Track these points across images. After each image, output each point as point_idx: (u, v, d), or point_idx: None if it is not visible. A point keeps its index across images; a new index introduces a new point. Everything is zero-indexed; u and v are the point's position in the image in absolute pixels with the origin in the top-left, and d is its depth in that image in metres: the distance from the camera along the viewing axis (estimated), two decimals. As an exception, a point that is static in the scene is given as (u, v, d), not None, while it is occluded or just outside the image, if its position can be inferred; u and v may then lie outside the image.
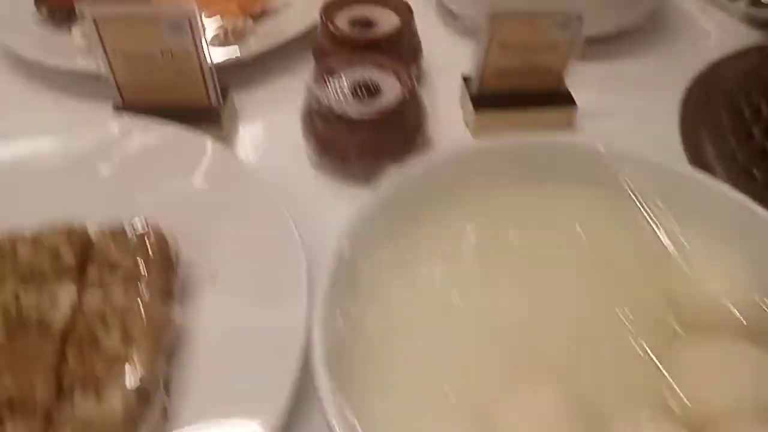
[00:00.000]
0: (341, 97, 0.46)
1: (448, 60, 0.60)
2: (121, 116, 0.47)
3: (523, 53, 0.49)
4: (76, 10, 0.44)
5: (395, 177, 0.37)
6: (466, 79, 0.53)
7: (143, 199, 0.43)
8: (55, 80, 0.56)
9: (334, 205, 0.46)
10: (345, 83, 0.47)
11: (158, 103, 0.49)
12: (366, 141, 0.45)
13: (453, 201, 0.38)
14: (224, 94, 0.51)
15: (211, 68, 0.48)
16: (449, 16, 0.66)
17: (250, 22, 0.60)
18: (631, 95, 0.57)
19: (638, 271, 0.37)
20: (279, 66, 0.59)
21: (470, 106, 0.51)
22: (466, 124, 0.53)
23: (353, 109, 0.45)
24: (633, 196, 0.38)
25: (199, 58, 0.47)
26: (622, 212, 0.38)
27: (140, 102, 0.49)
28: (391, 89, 0.47)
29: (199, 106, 0.50)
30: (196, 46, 0.46)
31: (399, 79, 0.47)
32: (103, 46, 0.46)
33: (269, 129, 0.53)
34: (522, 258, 0.37)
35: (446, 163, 0.38)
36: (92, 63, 0.49)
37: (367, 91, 0.47)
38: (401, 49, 0.53)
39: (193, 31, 0.45)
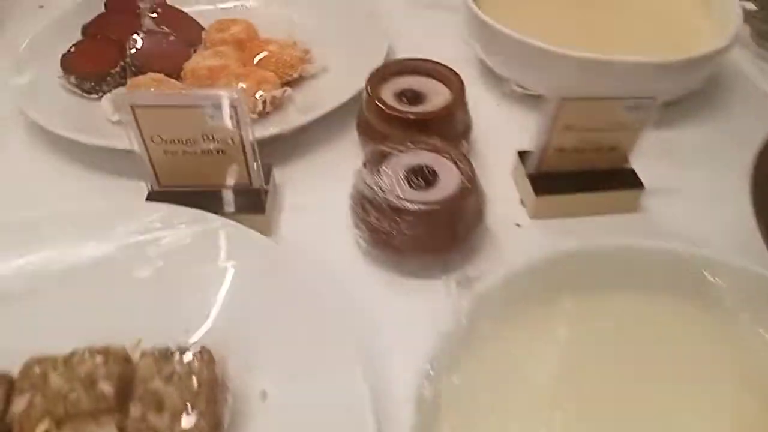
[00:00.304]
0: (396, 187, 0.42)
1: (493, 126, 0.57)
2: (158, 205, 0.44)
3: (588, 134, 0.46)
4: (113, 94, 0.41)
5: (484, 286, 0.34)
6: (521, 154, 0.50)
7: (185, 306, 0.39)
8: (85, 156, 0.53)
9: (390, 301, 0.43)
10: (399, 169, 0.44)
11: (197, 186, 0.46)
12: (424, 234, 0.42)
13: (546, 304, 0.35)
14: (266, 173, 0.48)
15: (254, 150, 0.45)
16: (490, 76, 0.63)
17: (288, 91, 0.57)
18: (694, 167, 0.54)
19: (738, 392, 0.34)
20: (320, 137, 0.55)
21: (529, 187, 0.48)
22: (523, 203, 0.49)
23: (410, 200, 0.41)
24: (733, 313, 0.34)
25: (242, 141, 0.44)
26: (721, 327, 0.35)
27: (177, 185, 0.46)
28: (449, 176, 0.43)
29: (241, 189, 0.46)
30: (240, 129, 0.43)
31: (457, 164, 0.44)
32: (141, 133, 0.43)
33: (314, 210, 0.50)
34: (616, 368, 0.35)
35: (539, 268, 0.35)
36: (125, 138, 0.45)
37: (423, 178, 0.43)
38: (453, 125, 0.50)
39: (238, 115, 0.42)
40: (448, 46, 0.70)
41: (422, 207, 0.41)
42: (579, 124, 0.45)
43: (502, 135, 0.56)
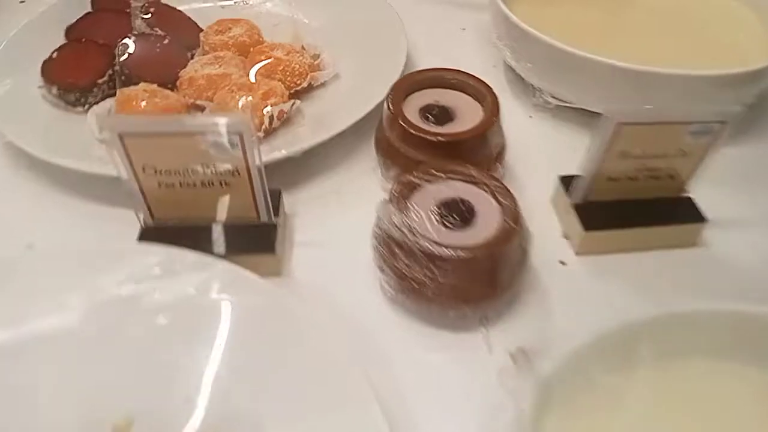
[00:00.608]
0: (428, 227, 0.36)
1: (525, 142, 0.51)
2: (152, 247, 0.38)
3: (646, 161, 0.40)
4: (98, 116, 0.35)
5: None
6: (563, 180, 0.44)
7: (185, 368, 0.34)
8: (68, 179, 0.46)
9: (419, 357, 0.37)
10: (430, 205, 0.38)
11: (196, 221, 0.40)
12: (462, 282, 0.36)
13: (617, 376, 0.30)
14: (274, 203, 0.41)
15: (262, 180, 0.39)
16: (518, 82, 0.56)
17: (297, 103, 0.51)
18: (751, 189, 0.48)
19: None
20: (332, 155, 0.49)
21: (575, 220, 0.42)
22: (567, 237, 0.44)
23: (447, 245, 0.35)
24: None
25: (248, 171, 0.38)
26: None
27: (174, 219, 0.40)
28: (488, 213, 0.38)
29: (247, 224, 0.41)
30: (246, 159, 0.37)
31: (496, 197, 0.38)
32: (131, 163, 0.37)
33: (330, 245, 0.44)
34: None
35: (611, 341, 0.30)
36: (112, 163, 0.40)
37: (459, 215, 0.37)
38: (487, 148, 0.44)
39: (244, 144, 0.36)
40: (468, 47, 0.64)
41: (461, 254, 0.35)
42: (637, 150, 0.39)
43: (536, 153, 0.51)
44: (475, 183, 0.39)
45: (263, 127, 0.48)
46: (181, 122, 0.35)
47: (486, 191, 0.39)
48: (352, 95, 0.53)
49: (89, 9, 0.60)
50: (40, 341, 0.34)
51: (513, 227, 0.36)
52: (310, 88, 0.54)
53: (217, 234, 0.39)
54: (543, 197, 0.46)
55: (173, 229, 0.40)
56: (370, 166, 0.49)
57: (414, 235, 0.35)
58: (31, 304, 0.35)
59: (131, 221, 0.41)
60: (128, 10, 0.57)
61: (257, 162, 0.38)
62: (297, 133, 0.50)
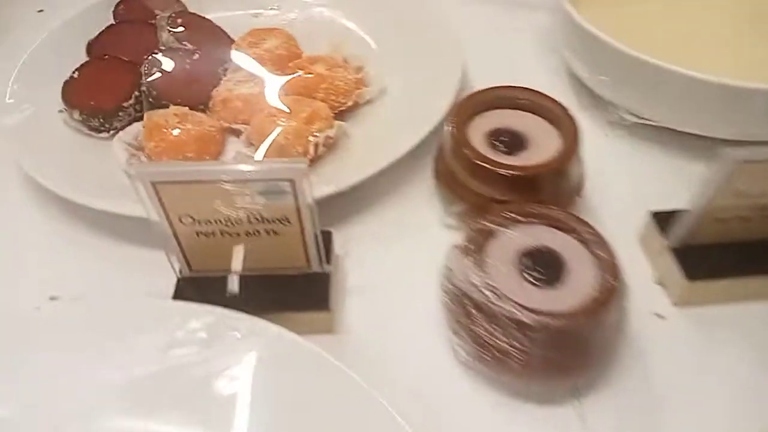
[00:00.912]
0: (512, 286, 0.31)
1: (602, 167, 0.44)
2: (188, 306, 0.33)
3: (761, 199, 0.34)
4: (131, 167, 0.30)
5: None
6: (657, 217, 0.39)
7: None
8: (94, 216, 0.41)
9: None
10: (511, 257, 0.33)
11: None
12: (552, 353, 0.30)
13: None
14: (325, 246, 0.36)
15: (315, 227, 0.34)
16: (587, 95, 0.50)
17: (343, 126, 0.46)
18: None
19: None
20: (384, 185, 0.44)
21: (674, 266, 0.36)
22: (662, 285, 0.38)
23: (536, 310, 0.30)
24: None
25: (300, 219, 0.33)
26: None
27: (214, 270, 0.35)
28: (581, 266, 0.32)
29: (296, 275, 0.36)
30: (299, 208, 0.32)
31: (588, 246, 0.33)
32: (166, 213, 0.32)
33: (388, 290, 0.38)
34: None
35: None
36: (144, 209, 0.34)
37: (546, 270, 0.32)
38: (567, 181, 0.39)
39: (297, 191, 0.31)
40: (526, 52, 0.57)
41: (556, 322, 0.30)
42: (754, 190, 0.33)
43: (615, 180, 0.44)
44: (560, 228, 0.34)
45: (308, 156, 0.43)
46: (226, 169, 0.30)
47: (575, 238, 0.33)
48: (402, 114, 0.47)
49: (111, 19, 0.55)
50: (65, 419, 0.30)
51: (613, 285, 0.31)
52: (355, 106, 0.49)
53: (263, 288, 0.34)
54: (625, 233, 0.40)
55: (212, 280, 0.35)
56: (426, 195, 0.44)
57: (498, 297, 0.30)
58: (53, 374, 0.31)
59: (165, 266, 0.36)
60: (153, 21, 0.52)
61: (310, 208, 0.32)
62: (344, 161, 0.44)
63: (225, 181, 0.29)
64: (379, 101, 0.50)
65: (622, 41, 0.44)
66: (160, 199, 0.31)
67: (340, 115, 0.48)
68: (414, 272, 0.38)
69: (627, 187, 0.44)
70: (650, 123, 0.46)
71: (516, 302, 0.30)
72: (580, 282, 0.31)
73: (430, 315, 0.36)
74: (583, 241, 0.33)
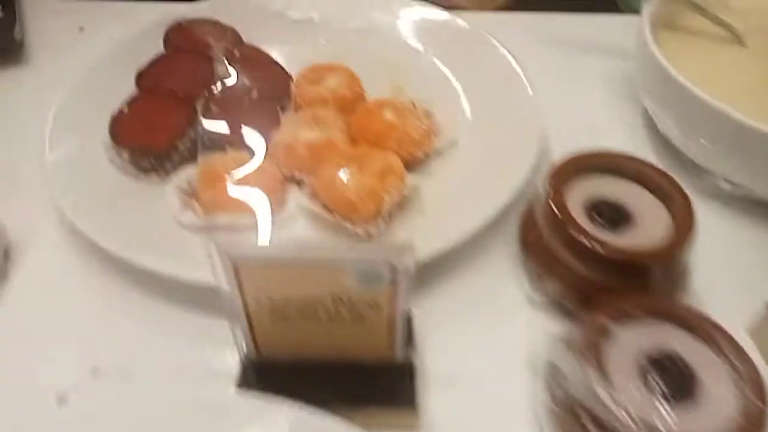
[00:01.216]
0: (641, 403, 0.27)
1: (699, 243, 0.37)
2: (257, 403, 0.28)
3: None
4: (212, 247, 0.26)
5: None
6: (773, 310, 0.34)
7: None
8: (142, 276, 0.37)
9: None
10: (635, 362, 0.28)
11: (308, 361, 0.31)
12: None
13: None
14: (406, 330, 0.31)
15: (406, 313, 0.29)
16: (673, 157, 0.45)
17: (415, 183, 0.41)
18: None
19: None
20: (460, 251, 0.38)
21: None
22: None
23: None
24: None
25: (393, 305, 0.29)
26: None
27: (283, 355, 0.31)
28: (716, 381, 0.27)
29: (378, 365, 0.31)
30: (395, 294, 0.28)
31: (724, 354, 0.28)
32: (242, 293, 0.28)
33: (474, 381, 0.34)
34: None
35: None
36: (201, 260, 0.28)
37: (677, 382, 0.27)
38: (676, 266, 0.34)
39: (396, 277, 0.27)
40: (601, 102, 0.52)
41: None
42: None
43: (712, 259, 0.39)
44: (689, 329, 0.29)
45: (380, 216, 0.39)
46: (321, 250, 0.26)
47: (708, 346, 0.29)
48: (477, 169, 0.43)
49: (160, 45, 0.51)
50: None
51: (761, 408, 0.27)
52: (425, 158, 0.44)
53: (341, 379, 0.30)
54: (728, 320, 0.33)
55: (283, 368, 0.30)
56: (508, 267, 0.39)
57: (631, 419, 0.26)
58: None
59: (226, 339, 0.31)
60: (209, 53, 0.48)
61: (405, 293, 0.28)
62: (418, 224, 0.40)
63: (315, 262, 0.25)
64: (450, 154, 0.45)
65: (714, 93, 0.39)
66: (238, 277, 0.27)
67: (408, 167, 0.43)
68: (502, 359, 0.34)
69: (725, 267, 0.39)
70: (751, 194, 0.42)
71: (653, 426, 0.25)
72: (718, 401, 0.27)
73: (521, 412, 0.32)
74: (719, 349, 0.29)
